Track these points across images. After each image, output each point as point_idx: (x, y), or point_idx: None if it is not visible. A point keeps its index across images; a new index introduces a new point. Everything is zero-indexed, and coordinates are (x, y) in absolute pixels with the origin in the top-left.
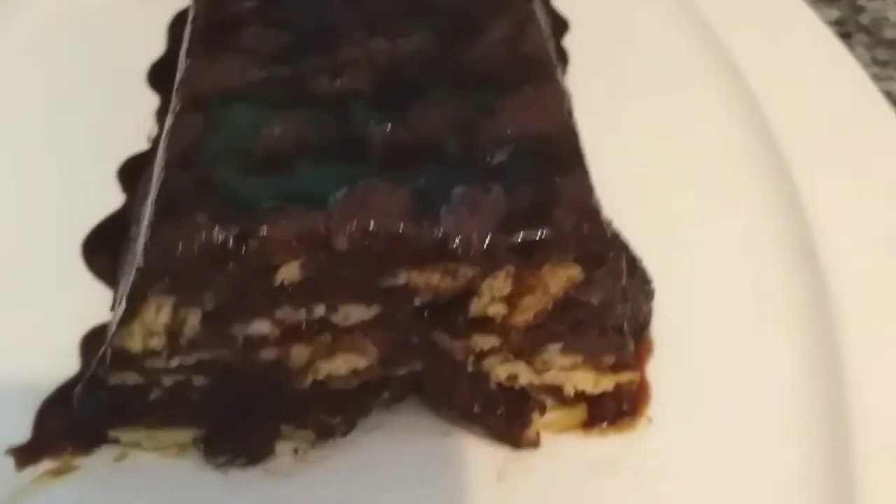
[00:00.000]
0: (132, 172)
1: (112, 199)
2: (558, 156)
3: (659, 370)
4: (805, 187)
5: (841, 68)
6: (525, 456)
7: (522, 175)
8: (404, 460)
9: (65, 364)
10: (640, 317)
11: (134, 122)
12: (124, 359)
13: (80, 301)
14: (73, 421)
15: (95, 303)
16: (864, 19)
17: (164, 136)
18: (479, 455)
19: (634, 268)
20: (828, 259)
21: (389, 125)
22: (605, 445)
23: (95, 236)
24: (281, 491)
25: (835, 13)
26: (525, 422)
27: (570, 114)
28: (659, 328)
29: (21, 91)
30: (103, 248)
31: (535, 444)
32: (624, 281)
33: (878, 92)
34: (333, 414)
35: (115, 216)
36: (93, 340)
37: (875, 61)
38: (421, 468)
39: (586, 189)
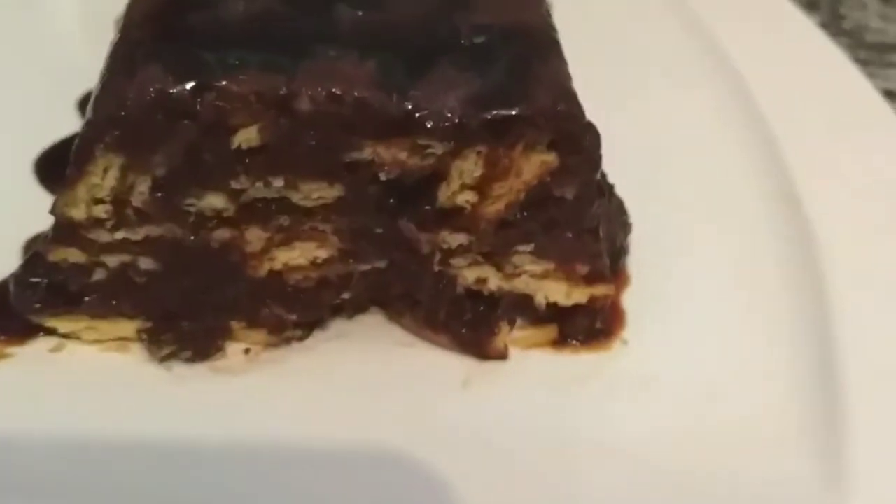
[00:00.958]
0: None
1: (71, 127)
2: (536, 44)
3: (635, 300)
4: (782, 133)
5: (817, 43)
6: (492, 367)
7: (498, 56)
8: (362, 368)
9: (7, 264)
10: (616, 241)
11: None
12: (67, 231)
13: (28, 211)
14: (8, 309)
15: (44, 214)
16: (846, 25)
17: (124, 11)
18: (443, 365)
19: (612, 194)
20: (808, 196)
21: (361, 12)
22: (577, 362)
23: (49, 155)
24: (228, 390)
25: (816, 19)
26: (493, 329)
27: (548, 13)
28: (636, 263)
29: None
30: (55, 166)
31: (502, 355)
32: (598, 175)
33: (855, 68)
34: (289, 310)
35: (70, 139)
36: (35, 243)
37: (857, 60)
38: (380, 375)
39: (563, 73)
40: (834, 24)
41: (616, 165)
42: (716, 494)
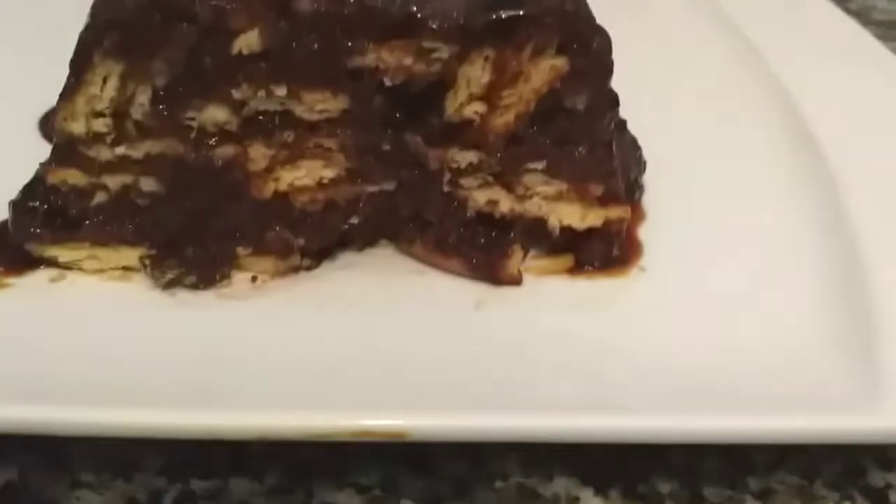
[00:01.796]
0: None
1: None
2: None
3: (652, 233)
4: (790, 73)
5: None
6: (505, 291)
7: None
8: (372, 293)
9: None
10: (630, 174)
11: None
12: (67, 150)
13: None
14: (7, 239)
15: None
16: (853, 6)
17: None
18: (455, 289)
19: (624, 129)
20: (821, 130)
21: None
22: (594, 287)
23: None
24: (233, 316)
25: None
26: (506, 252)
27: None
28: (651, 201)
29: None
30: None
31: (516, 280)
32: (610, 81)
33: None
34: (296, 234)
35: None
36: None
37: None
38: (390, 299)
39: None
40: (841, 6)
41: (629, 102)
42: (743, 404)
